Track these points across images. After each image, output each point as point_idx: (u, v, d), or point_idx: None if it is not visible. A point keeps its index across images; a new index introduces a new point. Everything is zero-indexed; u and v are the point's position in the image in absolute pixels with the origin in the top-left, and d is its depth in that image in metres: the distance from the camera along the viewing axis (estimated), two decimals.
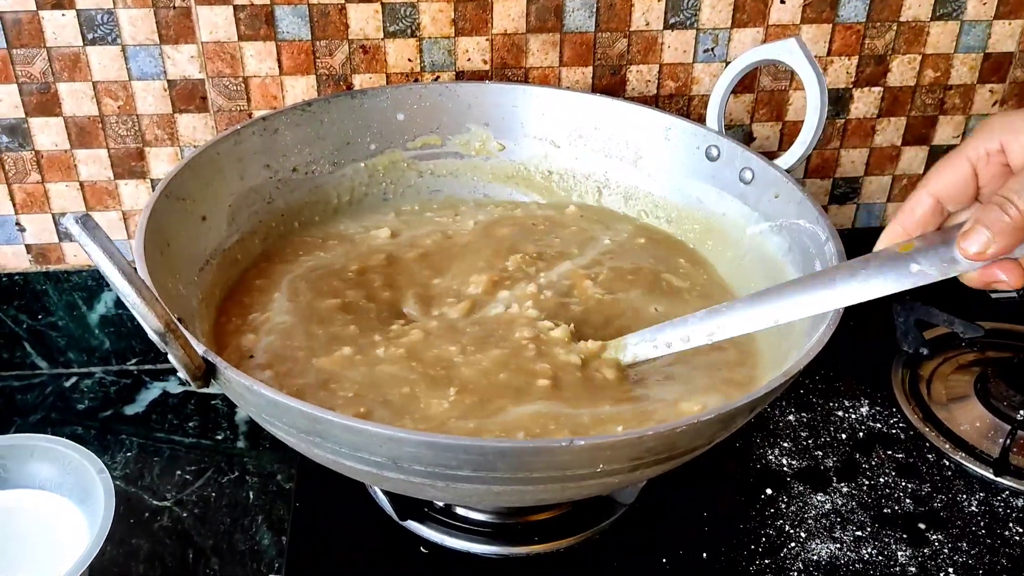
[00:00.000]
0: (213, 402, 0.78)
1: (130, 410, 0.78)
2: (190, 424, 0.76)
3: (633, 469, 0.44)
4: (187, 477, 0.71)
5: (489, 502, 0.49)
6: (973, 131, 0.48)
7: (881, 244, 0.48)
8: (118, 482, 0.70)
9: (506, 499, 0.46)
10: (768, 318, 0.50)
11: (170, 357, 0.43)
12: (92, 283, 0.79)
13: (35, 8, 0.69)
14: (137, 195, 0.77)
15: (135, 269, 0.40)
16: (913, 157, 0.86)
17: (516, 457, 0.41)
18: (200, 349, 0.43)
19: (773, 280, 0.62)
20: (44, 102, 0.73)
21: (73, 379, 0.81)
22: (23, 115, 0.73)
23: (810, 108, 0.63)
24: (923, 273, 0.45)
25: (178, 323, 0.41)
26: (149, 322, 0.40)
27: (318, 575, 0.60)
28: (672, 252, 0.70)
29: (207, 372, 0.44)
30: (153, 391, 0.80)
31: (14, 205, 0.76)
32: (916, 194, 0.47)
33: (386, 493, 0.62)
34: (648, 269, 0.66)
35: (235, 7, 0.71)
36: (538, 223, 0.72)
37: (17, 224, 0.77)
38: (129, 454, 0.73)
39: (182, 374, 0.43)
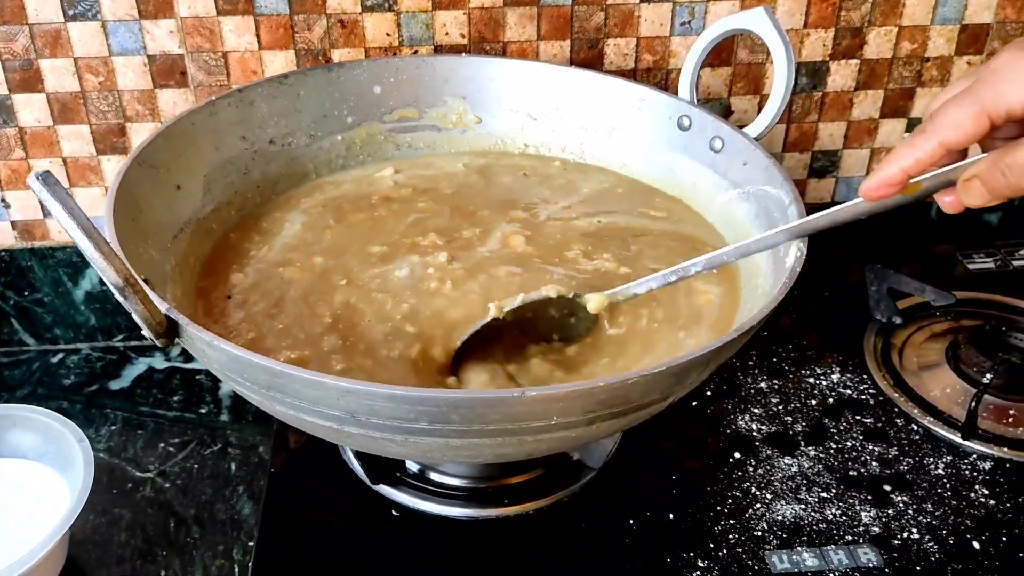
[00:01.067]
0: (198, 377, 0.79)
1: (115, 385, 0.79)
2: (174, 398, 0.77)
3: (589, 423, 0.45)
4: (170, 449, 0.72)
5: (449, 456, 0.50)
6: (991, 71, 0.43)
7: (876, 184, 0.46)
8: (102, 455, 0.71)
9: (465, 453, 0.47)
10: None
11: (132, 314, 0.44)
12: (77, 259, 0.80)
13: None
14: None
15: (94, 225, 0.40)
16: (891, 130, 0.86)
17: (469, 408, 0.42)
18: (163, 306, 0.44)
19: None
20: (27, 79, 0.74)
21: (60, 355, 0.82)
22: (6, 92, 0.74)
23: (777, 76, 0.64)
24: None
25: (138, 279, 0.42)
26: (108, 276, 0.41)
27: (291, 539, 0.61)
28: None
29: (169, 329, 0.44)
30: (138, 367, 0.81)
31: None
32: (924, 141, 0.44)
33: (358, 457, 0.63)
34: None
35: None
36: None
37: (2, 200, 0.78)
38: (113, 427, 0.74)
39: (145, 331, 0.44)
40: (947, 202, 0.46)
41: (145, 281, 0.46)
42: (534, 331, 0.57)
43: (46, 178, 0.39)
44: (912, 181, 0.45)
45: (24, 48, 0.73)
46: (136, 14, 0.72)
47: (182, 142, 0.63)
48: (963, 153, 0.46)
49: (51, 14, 0.72)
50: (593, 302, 0.57)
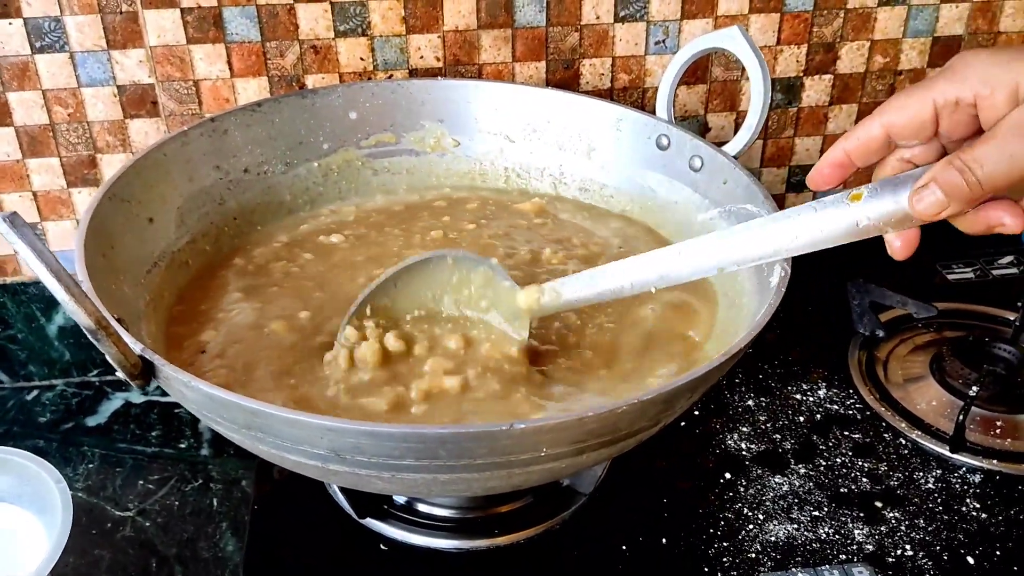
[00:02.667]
0: (177, 411, 0.78)
1: (92, 421, 0.77)
2: (153, 433, 0.76)
3: (578, 453, 0.44)
4: (150, 487, 0.70)
5: (437, 491, 0.49)
6: (945, 68, 0.42)
7: (821, 165, 0.46)
8: (80, 494, 0.69)
9: (453, 488, 0.46)
10: (711, 263, 0.49)
11: (106, 356, 0.42)
12: (49, 294, 0.78)
13: None
14: None
15: (63, 267, 0.39)
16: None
17: (457, 443, 0.41)
18: (137, 347, 0.43)
19: None
20: None
21: (35, 392, 0.80)
22: None
23: (754, 94, 0.64)
24: (873, 228, 0.43)
25: (111, 320, 0.41)
26: (80, 319, 0.39)
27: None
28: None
29: (145, 370, 0.43)
30: (115, 402, 0.79)
31: None
32: (869, 122, 0.44)
33: (343, 491, 0.62)
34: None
35: (182, 10, 0.71)
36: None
37: None
38: (91, 466, 0.72)
39: (119, 373, 0.43)
40: (896, 247, 0.44)
41: (119, 320, 0.45)
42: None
43: (13, 220, 0.38)
44: (855, 191, 0.44)
45: None
46: (104, 44, 0.71)
47: (154, 174, 0.62)
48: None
49: (18, 46, 0.70)
50: (522, 296, 0.55)
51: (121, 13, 0.70)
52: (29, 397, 0.80)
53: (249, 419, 0.42)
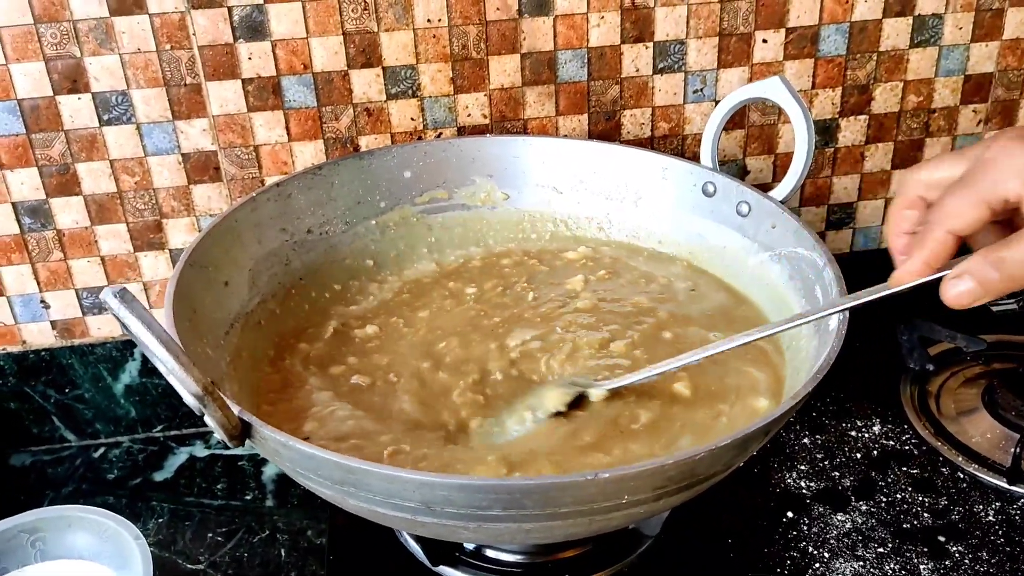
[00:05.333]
0: (240, 463, 0.80)
1: (159, 476, 0.79)
2: (218, 486, 0.78)
3: (657, 499, 0.46)
4: (219, 539, 0.72)
5: (520, 540, 0.50)
6: (987, 161, 0.45)
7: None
8: (152, 548, 0.70)
9: (536, 536, 0.47)
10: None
11: (207, 419, 0.45)
12: (116, 354, 0.81)
13: (52, 93, 0.72)
14: (156, 266, 0.80)
15: (172, 338, 0.42)
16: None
17: (543, 493, 0.43)
18: (235, 410, 0.45)
19: (777, 308, 0.64)
20: (64, 182, 0.76)
21: (101, 449, 0.83)
22: (44, 196, 0.76)
23: (798, 140, 0.66)
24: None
25: (215, 387, 0.43)
26: (188, 387, 0.42)
27: None
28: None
29: (243, 431, 0.46)
30: (180, 456, 0.81)
31: (38, 283, 0.79)
32: (936, 231, 0.46)
33: (417, 540, 0.64)
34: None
35: (243, 80, 0.74)
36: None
37: (42, 302, 0.80)
38: (160, 520, 0.74)
39: (219, 434, 0.45)
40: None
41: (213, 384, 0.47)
42: None
43: (123, 295, 0.41)
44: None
45: (60, 153, 0.75)
46: (170, 115, 0.75)
47: (228, 239, 0.65)
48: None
49: (86, 120, 0.74)
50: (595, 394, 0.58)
51: (185, 85, 0.74)
52: (96, 455, 0.82)
53: (344, 475, 0.44)
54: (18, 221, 0.76)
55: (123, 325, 0.42)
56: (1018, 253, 0.43)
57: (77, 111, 0.73)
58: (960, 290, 0.45)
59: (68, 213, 0.77)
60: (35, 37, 0.70)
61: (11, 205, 0.76)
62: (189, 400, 0.45)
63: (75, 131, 0.74)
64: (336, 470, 0.44)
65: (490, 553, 0.63)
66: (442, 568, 0.62)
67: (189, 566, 0.70)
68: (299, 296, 0.70)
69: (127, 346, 0.81)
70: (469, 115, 0.79)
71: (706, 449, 0.43)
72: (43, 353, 0.80)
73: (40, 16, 0.70)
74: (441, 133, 0.79)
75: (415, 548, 0.64)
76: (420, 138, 0.79)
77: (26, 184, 0.75)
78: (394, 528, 0.64)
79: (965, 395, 0.76)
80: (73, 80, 0.72)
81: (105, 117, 0.74)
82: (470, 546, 0.64)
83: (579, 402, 0.58)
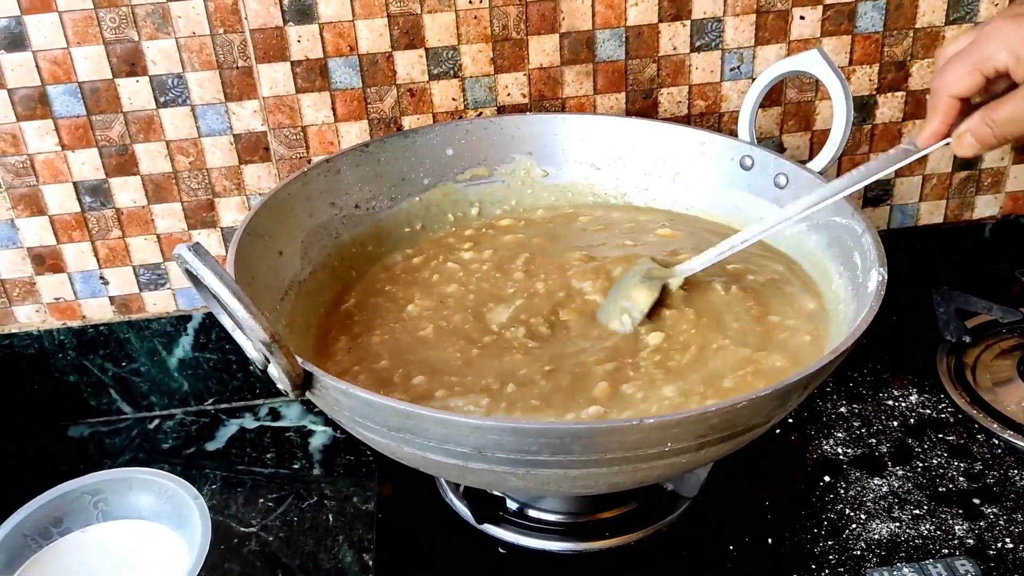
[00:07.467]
0: (287, 434, 0.83)
1: (211, 446, 0.82)
2: (267, 456, 0.81)
3: (699, 447, 0.48)
4: (269, 504, 0.75)
5: (566, 488, 0.52)
6: (982, 35, 0.54)
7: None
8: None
9: (581, 484, 0.49)
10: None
11: (271, 369, 0.47)
12: (171, 329, 0.84)
13: (111, 76, 0.75)
14: (209, 244, 0.83)
15: (241, 289, 0.44)
16: (939, 156, 0.89)
17: (590, 438, 0.45)
18: (298, 360, 0.48)
19: (819, 274, 0.66)
20: (122, 163, 0.79)
21: (156, 421, 0.86)
22: (103, 176, 0.79)
23: (836, 112, 0.67)
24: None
25: (280, 335, 0.46)
26: (256, 335, 0.44)
27: None
28: None
29: (305, 381, 0.48)
30: (231, 428, 0.85)
31: (98, 260, 0.82)
32: (945, 101, 0.55)
33: (462, 498, 0.66)
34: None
35: (292, 63, 0.77)
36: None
37: (101, 278, 0.83)
38: (214, 487, 0.77)
39: (282, 385, 0.48)
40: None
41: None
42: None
43: (197, 249, 0.43)
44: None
45: (119, 135, 0.78)
46: (223, 97, 0.78)
47: (281, 211, 0.67)
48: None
49: (144, 102, 0.77)
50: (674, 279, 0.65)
51: (237, 68, 0.77)
52: (151, 426, 0.86)
53: (401, 421, 0.46)
54: (79, 200, 0.80)
55: (195, 279, 0.45)
56: (1006, 112, 0.53)
57: (135, 93, 0.77)
58: (965, 144, 0.55)
59: (126, 192, 0.80)
60: (95, 21, 0.74)
61: (72, 185, 0.79)
62: (254, 353, 0.48)
63: (133, 113, 0.77)
64: (393, 416, 0.46)
65: (532, 512, 0.65)
66: (487, 526, 0.65)
67: (242, 529, 0.73)
68: (348, 266, 0.72)
69: (181, 321, 0.84)
70: (509, 95, 0.81)
71: (747, 398, 0.45)
72: (102, 328, 0.84)
73: (100, 1, 0.73)
74: (481, 112, 0.82)
75: (460, 508, 0.66)
76: (461, 117, 0.81)
77: (87, 164, 0.78)
78: (445, 479, 0.67)
79: (1000, 366, 0.77)
80: (131, 63, 0.75)
81: (161, 99, 0.77)
82: (513, 505, 0.66)
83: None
